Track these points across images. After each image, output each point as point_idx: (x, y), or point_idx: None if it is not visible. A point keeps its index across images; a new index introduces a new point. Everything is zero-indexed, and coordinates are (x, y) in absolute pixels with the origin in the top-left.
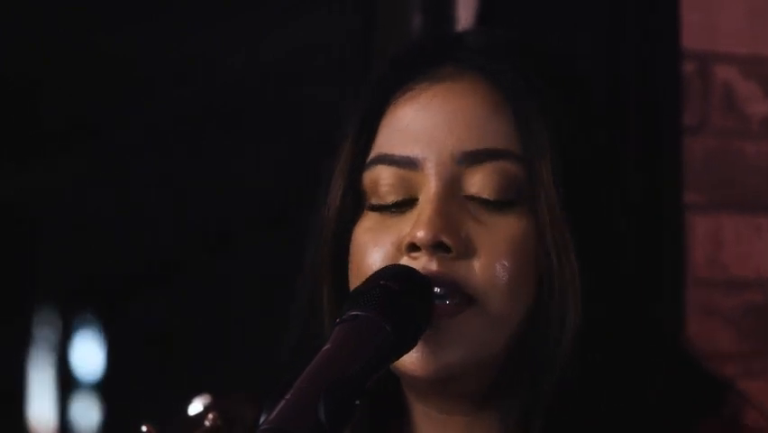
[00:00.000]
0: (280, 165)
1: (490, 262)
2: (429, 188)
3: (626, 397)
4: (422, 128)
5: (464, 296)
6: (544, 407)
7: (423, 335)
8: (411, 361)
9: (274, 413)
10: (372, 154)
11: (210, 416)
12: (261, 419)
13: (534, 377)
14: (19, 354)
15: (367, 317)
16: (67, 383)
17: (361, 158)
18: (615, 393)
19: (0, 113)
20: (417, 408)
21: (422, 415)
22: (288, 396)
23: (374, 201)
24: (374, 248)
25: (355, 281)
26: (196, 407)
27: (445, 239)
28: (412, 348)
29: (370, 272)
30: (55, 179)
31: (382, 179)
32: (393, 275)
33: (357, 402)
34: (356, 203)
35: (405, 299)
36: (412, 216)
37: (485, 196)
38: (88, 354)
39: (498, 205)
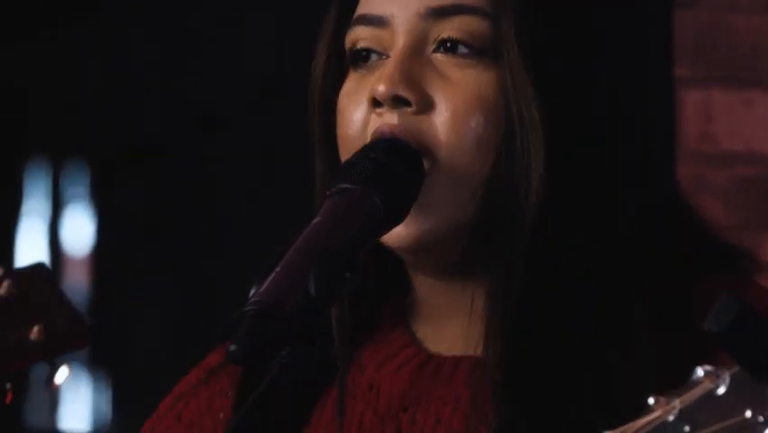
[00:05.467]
0: (272, 41)
1: (453, 117)
2: (397, 44)
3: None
4: None
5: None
6: (517, 273)
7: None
8: (389, 234)
9: (263, 286)
10: (354, 17)
11: (4, 284)
12: (251, 292)
13: (505, 241)
14: (9, 228)
15: (357, 190)
16: (56, 257)
17: (343, 23)
18: (590, 251)
19: None
20: (415, 275)
21: (419, 281)
22: (277, 269)
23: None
24: (353, 109)
25: (341, 146)
26: None
27: (402, 92)
28: (403, 220)
29: (351, 134)
30: (47, 55)
31: (360, 40)
32: (383, 148)
33: (348, 274)
34: (340, 69)
35: (395, 172)
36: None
37: (449, 49)
38: (78, 229)
39: (462, 58)
